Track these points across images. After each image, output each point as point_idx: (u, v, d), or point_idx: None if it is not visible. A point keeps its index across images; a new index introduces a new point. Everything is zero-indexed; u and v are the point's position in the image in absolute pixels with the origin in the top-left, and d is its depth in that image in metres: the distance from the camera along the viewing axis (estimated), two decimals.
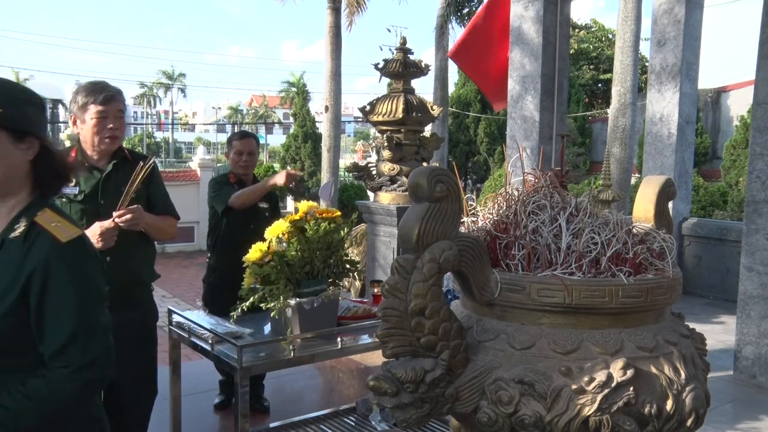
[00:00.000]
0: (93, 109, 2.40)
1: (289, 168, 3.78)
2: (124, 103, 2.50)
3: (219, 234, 3.76)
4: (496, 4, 6.67)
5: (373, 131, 8.71)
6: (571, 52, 14.85)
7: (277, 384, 4.29)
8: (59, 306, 1.38)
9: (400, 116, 4.78)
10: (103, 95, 2.40)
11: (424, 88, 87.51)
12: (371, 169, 5.17)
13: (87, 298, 1.41)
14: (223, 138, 62.36)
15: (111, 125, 2.43)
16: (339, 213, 2.85)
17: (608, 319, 1.41)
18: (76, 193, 2.43)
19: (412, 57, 5.06)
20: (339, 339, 2.73)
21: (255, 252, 2.69)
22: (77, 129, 2.47)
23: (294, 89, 34.22)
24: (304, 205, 2.80)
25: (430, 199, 1.37)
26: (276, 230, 2.72)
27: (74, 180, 2.32)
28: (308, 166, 14.43)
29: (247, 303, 2.64)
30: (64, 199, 2.38)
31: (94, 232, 2.31)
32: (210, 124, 63.73)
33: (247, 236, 3.05)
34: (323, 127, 13.17)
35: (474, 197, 1.80)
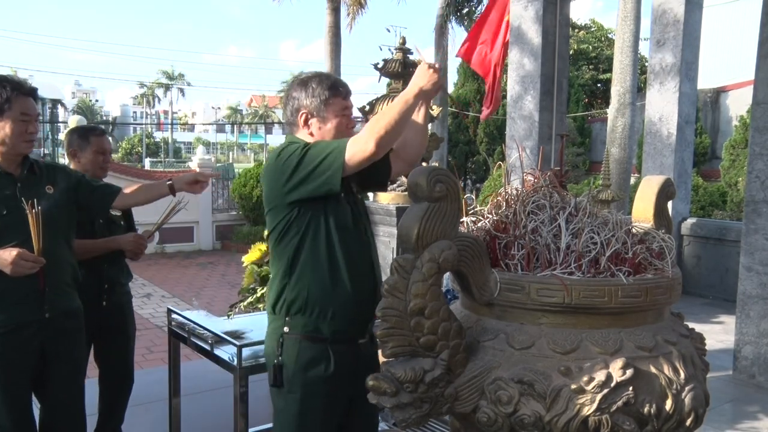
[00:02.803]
0: (339, 104, 1.99)
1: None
2: None
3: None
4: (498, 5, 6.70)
5: None
6: (570, 52, 14.85)
7: None
8: None
9: None
10: (346, 88, 2.01)
11: None
12: None
13: None
14: (222, 138, 62.53)
15: (354, 124, 2.04)
16: None
17: (607, 319, 1.41)
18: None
19: (411, 57, 5.06)
20: None
21: (254, 252, 2.69)
22: (308, 130, 2.00)
23: None
24: None
25: (430, 199, 1.37)
26: None
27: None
28: None
29: (245, 303, 2.64)
30: None
31: None
32: (209, 124, 63.69)
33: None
34: None
35: (473, 197, 1.80)
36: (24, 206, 2.23)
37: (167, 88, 56.73)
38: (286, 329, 1.92)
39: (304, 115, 1.99)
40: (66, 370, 2.39)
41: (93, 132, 2.94)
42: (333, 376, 1.90)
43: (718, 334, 5.34)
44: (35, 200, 2.22)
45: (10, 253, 2.13)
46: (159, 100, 59.37)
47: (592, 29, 24.95)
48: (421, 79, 1.85)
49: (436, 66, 1.85)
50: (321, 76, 2.02)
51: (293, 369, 1.91)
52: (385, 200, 5.01)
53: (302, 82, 2.00)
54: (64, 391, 2.41)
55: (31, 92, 2.26)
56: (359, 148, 1.78)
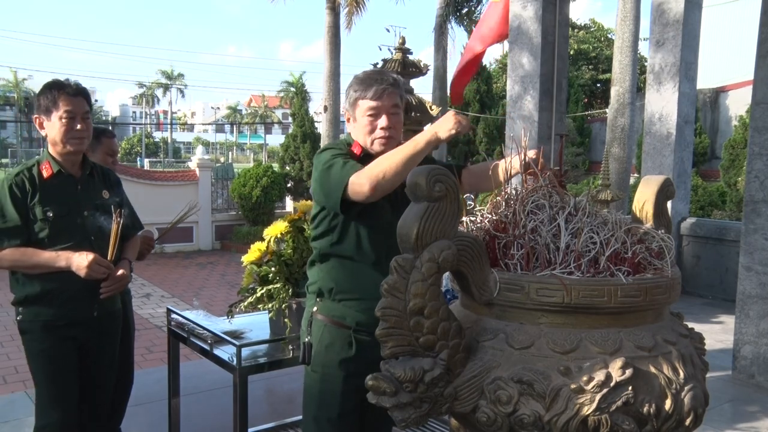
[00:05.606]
0: (364, 105, 2.00)
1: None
2: (403, 96, 2.04)
3: None
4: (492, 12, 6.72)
5: None
6: (570, 52, 14.84)
7: (276, 384, 4.29)
8: None
9: None
10: (375, 88, 1.98)
11: (423, 88, 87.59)
12: None
13: None
14: (222, 138, 62.49)
15: (386, 124, 1.99)
16: None
17: (607, 319, 1.41)
18: None
19: (411, 57, 5.05)
20: None
21: (253, 252, 2.69)
22: (349, 126, 2.09)
23: (293, 89, 34.21)
24: (303, 205, 2.80)
25: (429, 199, 1.36)
26: (274, 230, 2.72)
27: None
28: (307, 166, 14.41)
29: (245, 303, 2.64)
30: None
31: None
32: (209, 124, 63.69)
33: None
34: (322, 127, 13.19)
35: (473, 197, 1.80)
36: (83, 209, 2.34)
37: (166, 88, 56.70)
38: (315, 309, 2.06)
39: (346, 113, 2.12)
40: (103, 369, 2.48)
41: (104, 134, 2.98)
42: (353, 360, 1.99)
43: (718, 333, 5.35)
44: (99, 206, 2.38)
45: (87, 257, 2.22)
46: (158, 100, 59.36)
47: (592, 29, 24.97)
48: (440, 125, 1.84)
49: (462, 120, 1.83)
50: (361, 77, 2.06)
51: (317, 349, 2.04)
52: None
53: (352, 81, 2.09)
54: (99, 389, 2.48)
55: (78, 92, 2.34)
56: (357, 188, 1.83)
